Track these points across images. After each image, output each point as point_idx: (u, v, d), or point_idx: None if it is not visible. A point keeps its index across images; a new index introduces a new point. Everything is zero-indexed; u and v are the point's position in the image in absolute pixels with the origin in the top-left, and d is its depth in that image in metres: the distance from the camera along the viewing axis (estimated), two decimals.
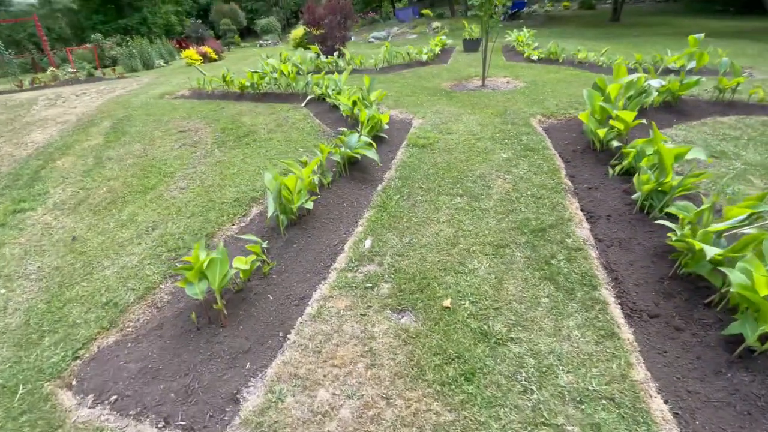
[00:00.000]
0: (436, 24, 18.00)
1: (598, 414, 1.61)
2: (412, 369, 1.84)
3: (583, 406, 1.65)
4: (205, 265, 2.04)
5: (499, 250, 2.63)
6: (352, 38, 14.43)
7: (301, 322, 2.16)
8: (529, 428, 1.58)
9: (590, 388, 1.72)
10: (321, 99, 6.52)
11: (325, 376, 1.83)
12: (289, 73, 7.02)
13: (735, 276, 1.79)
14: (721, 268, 1.91)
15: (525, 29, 11.27)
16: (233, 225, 3.27)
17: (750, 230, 2.10)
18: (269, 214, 2.85)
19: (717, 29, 11.13)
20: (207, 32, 24.68)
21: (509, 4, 6.58)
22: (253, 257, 2.35)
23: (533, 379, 1.77)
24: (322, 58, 9.33)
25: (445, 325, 2.08)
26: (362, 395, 1.74)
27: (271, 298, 2.39)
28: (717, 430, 1.57)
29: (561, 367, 1.82)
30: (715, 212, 2.38)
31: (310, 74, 7.42)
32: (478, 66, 7.86)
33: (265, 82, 7.34)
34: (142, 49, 14.03)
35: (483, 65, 7.04)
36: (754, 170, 3.38)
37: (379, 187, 3.57)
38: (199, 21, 24.77)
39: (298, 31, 16.48)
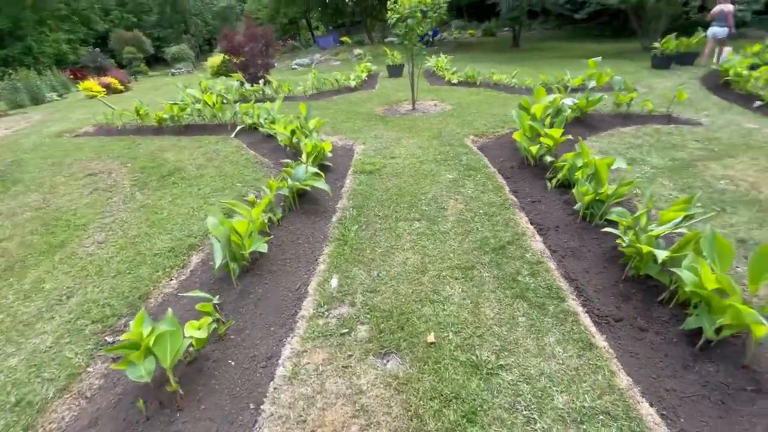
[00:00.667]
0: (358, 51, 18.51)
1: (600, 431, 1.62)
2: (412, 420, 1.70)
3: (585, 426, 1.65)
4: (151, 341, 1.70)
5: (467, 273, 2.62)
6: (276, 65, 14.17)
7: (275, 388, 1.90)
8: None
9: (586, 405, 1.74)
10: (253, 129, 6.20)
11: None
12: (214, 104, 6.58)
13: (686, 275, 1.96)
14: (672, 269, 2.10)
15: (442, 55, 12.06)
16: (171, 280, 2.85)
17: (683, 230, 2.36)
18: (217, 263, 2.53)
19: (599, 51, 13.04)
20: (107, 61, 22.49)
21: (430, 32, 6.98)
22: (208, 320, 2.03)
23: (533, 406, 1.74)
24: (247, 86, 8.98)
25: (434, 363, 1.97)
26: None
27: (233, 363, 2.08)
28: (700, 424, 1.67)
29: (554, 388, 1.82)
30: (649, 216, 2.64)
31: (237, 103, 7.05)
32: (406, 90, 8.17)
33: (186, 114, 6.80)
34: (29, 82, 12.23)
35: (411, 90, 7.31)
36: (661, 173, 3.89)
37: (334, 219, 3.42)
38: (98, 50, 22.51)
39: (216, 59, 15.79)
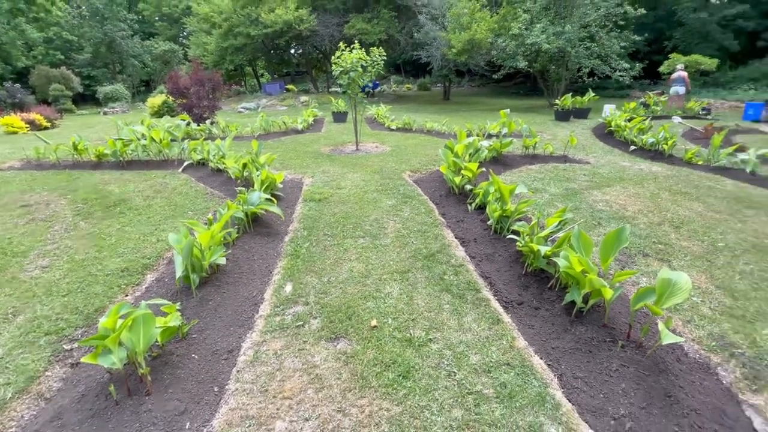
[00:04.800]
0: (304, 98, 19.48)
1: (502, 376, 2.12)
2: (358, 381, 2.06)
3: (491, 373, 2.14)
4: (127, 325, 1.92)
5: (404, 275, 3.12)
6: (222, 108, 14.46)
7: (238, 371, 2.16)
8: (459, 400, 1.97)
9: (493, 360, 2.24)
10: (201, 164, 6.41)
11: (278, 408, 1.90)
12: (161, 140, 6.72)
13: (561, 262, 2.63)
14: (553, 259, 2.77)
15: (382, 104, 13.30)
16: (126, 296, 2.98)
17: (561, 233, 3.09)
18: (178, 274, 2.76)
19: (514, 106, 15.29)
20: (28, 97, 21.04)
21: (370, 84, 7.91)
22: (176, 313, 2.27)
23: (453, 364, 2.20)
24: (193, 125, 9.17)
25: (376, 341, 2.38)
26: (319, 414, 1.87)
27: (196, 357, 2.30)
28: (574, 368, 2.24)
29: (470, 351, 2.31)
30: (540, 227, 3.38)
31: (185, 140, 7.23)
32: (350, 134, 8.93)
33: (130, 150, 6.81)
34: None
35: (355, 133, 8.07)
36: (556, 198, 4.83)
37: (287, 239, 3.77)
38: (18, 85, 21.04)
39: (156, 99, 15.70)
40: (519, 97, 20.94)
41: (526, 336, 2.49)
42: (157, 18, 37.93)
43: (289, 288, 2.93)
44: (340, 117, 12.33)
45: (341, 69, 7.27)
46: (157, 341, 2.24)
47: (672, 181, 5.56)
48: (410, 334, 2.44)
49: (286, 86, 24.77)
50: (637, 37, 14.89)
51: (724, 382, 2.22)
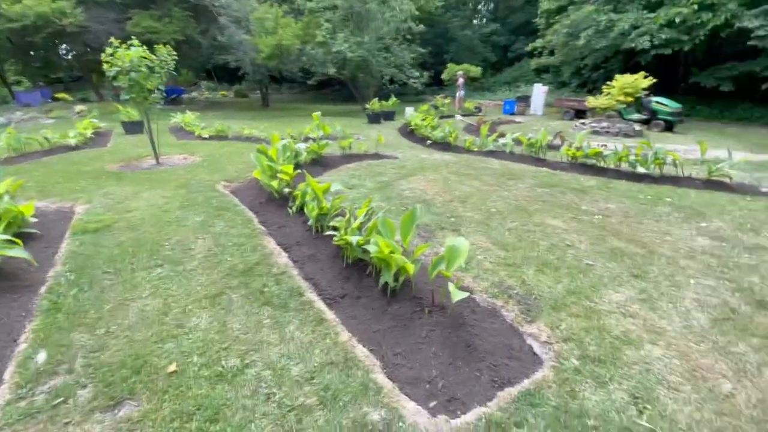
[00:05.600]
0: (80, 108, 15.48)
1: (325, 378, 2.03)
2: None
3: (314, 379, 2.02)
4: None
5: (215, 299, 2.71)
6: None
7: None
8: (280, 422, 1.77)
9: (316, 364, 2.13)
10: None
11: None
12: None
13: (371, 248, 2.73)
14: (365, 247, 2.86)
15: (188, 112, 11.80)
16: None
17: (371, 222, 3.25)
18: None
19: (332, 111, 16.04)
20: None
21: (162, 88, 6.79)
22: None
23: (273, 384, 1.99)
24: None
25: (175, 389, 1.94)
26: None
27: None
28: (394, 345, 2.33)
29: (292, 363, 2.14)
30: (354, 219, 3.48)
31: None
32: (148, 147, 7.54)
33: None
34: None
35: (152, 145, 6.85)
36: (372, 191, 5.16)
37: (43, 290, 2.79)
38: None
39: None
40: (336, 103, 22.08)
41: (349, 327, 2.49)
42: None
43: (42, 357, 2.14)
44: (133, 128, 10.31)
45: (117, 69, 6.00)
46: None
47: (458, 165, 6.73)
48: (222, 367, 2.10)
49: (55, 95, 19.33)
50: (422, 50, 17.65)
51: (507, 320, 2.63)
